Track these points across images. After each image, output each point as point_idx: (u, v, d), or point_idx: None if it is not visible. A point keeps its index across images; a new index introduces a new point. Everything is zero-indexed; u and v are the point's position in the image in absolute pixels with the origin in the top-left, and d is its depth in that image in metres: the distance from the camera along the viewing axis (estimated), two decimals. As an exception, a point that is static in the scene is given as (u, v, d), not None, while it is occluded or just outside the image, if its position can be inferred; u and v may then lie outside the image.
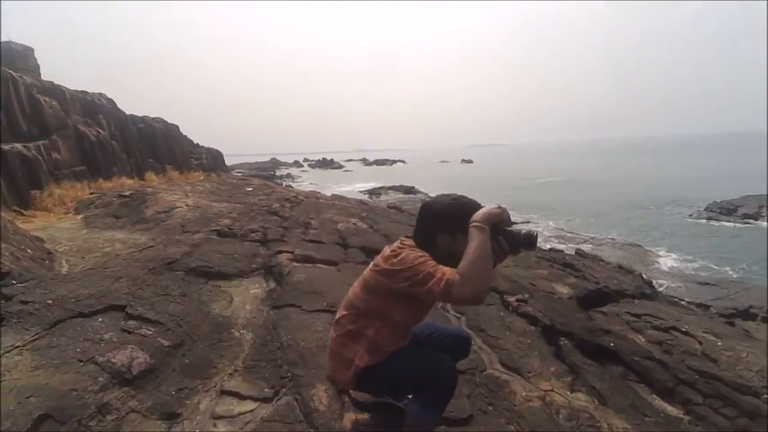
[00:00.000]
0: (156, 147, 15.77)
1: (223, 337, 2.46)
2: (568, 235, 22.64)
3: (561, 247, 19.56)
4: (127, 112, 15.21)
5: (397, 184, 38.87)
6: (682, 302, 8.19)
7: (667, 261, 18.31)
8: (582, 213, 28.34)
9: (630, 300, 6.83)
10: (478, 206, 1.42)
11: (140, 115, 16.20)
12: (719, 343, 4.87)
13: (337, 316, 1.58)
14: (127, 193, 8.67)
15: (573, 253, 11.20)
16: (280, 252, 4.21)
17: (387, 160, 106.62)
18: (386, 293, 1.42)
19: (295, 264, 3.84)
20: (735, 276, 16.07)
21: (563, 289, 6.95)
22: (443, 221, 1.43)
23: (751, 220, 24.91)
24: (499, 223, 1.36)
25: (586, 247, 19.96)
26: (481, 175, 62.85)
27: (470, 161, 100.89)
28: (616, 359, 3.78)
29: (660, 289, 10.58)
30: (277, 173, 61.43)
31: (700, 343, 4.91)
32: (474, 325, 2.97)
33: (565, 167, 70.32)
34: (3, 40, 16.57)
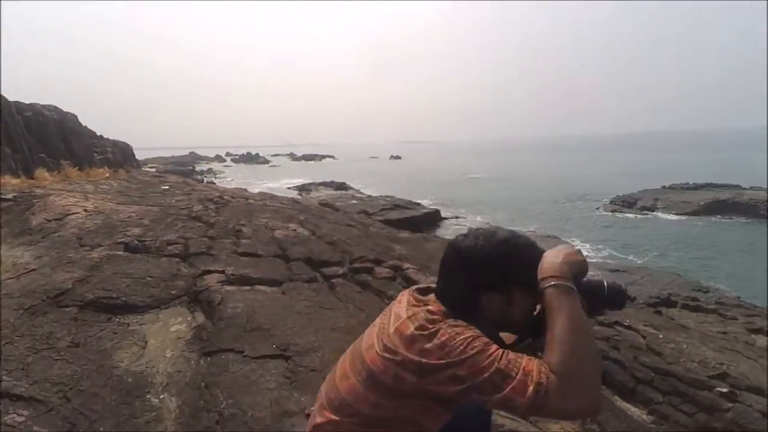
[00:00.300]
0: (48, 139, 13.50)
1: (135, 408, 1.79)
2: (495, 229, 23.74)
3: (490, 241, 20.51)
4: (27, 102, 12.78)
5: (328, 180, 38.03)
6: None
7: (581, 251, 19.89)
8: (505, 207, 29.87)
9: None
10: (540, 248, 0.95)
11: (44, 103, 13.71)
12: (660, 336, 5.05)
13: (317, 419, 1.00)
14: (9, 196, 7.12)
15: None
16: (208, 272, 3.49)
17: (316, 155, 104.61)
18: (414, 395, 0.87)
19: (229, 287, 3.17)
20: (639, 262, 17.76)
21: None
22: (493, 274, 0.92)
23: (648, 212, 27.93)
24: (580, 274, 0.91)
25: (512, 241, 21.08)
26: (410, 170, 63.89)
27: (399, 157, 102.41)
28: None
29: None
30: (197, 168, 57.15)
31: (644, 337, 5.06)
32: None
33: (490, 164, 74.01)
34: None
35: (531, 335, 1.02)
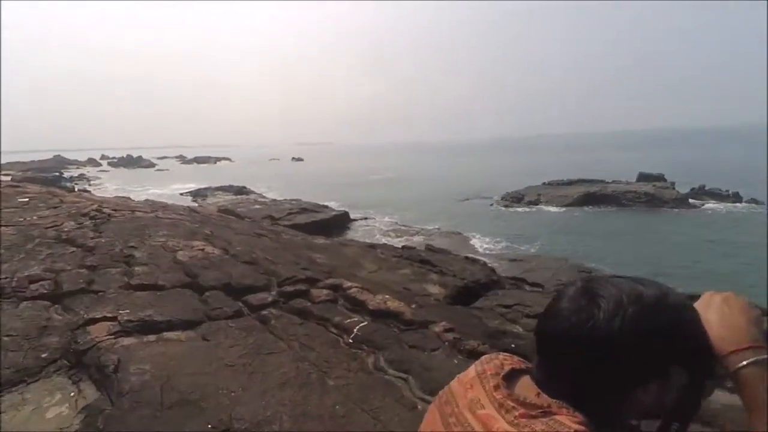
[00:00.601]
0: None
1: None
2: (403, 228, 24.25)
3: (399, 240, 20.81)
4: None
5: (226, 184, 35.41)
6: (525, 286, 9.15)
7: (482, 243, 21.19)
8: (410, 207, 30.80)
9: (495, 292, 7.20)
10: (692, 308, 0.63)
11: None
12: None
13: None
14: None
15: (423, 248, 11.62)
16: (93, 320, 2.65)
17: (210, 157, 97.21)
18: None
19: (126, 341, 2.40)
20: (533, 251, 19.53)
21: (434, 289, 6.89)
22: (656, 355, 0.59)
23: (533, 205, 31.09)
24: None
25: (419, 239, 21.69)
26: (312, 172, 62.74)
27: (300, 159, 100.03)
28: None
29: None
30: (66, 174, 49.08)
31: None
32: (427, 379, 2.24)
33: (392, 165, 76.07)
34: None
35: (680, 419, 0.67)
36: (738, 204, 27.70)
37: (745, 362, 0.60)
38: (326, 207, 24.01)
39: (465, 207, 31.62)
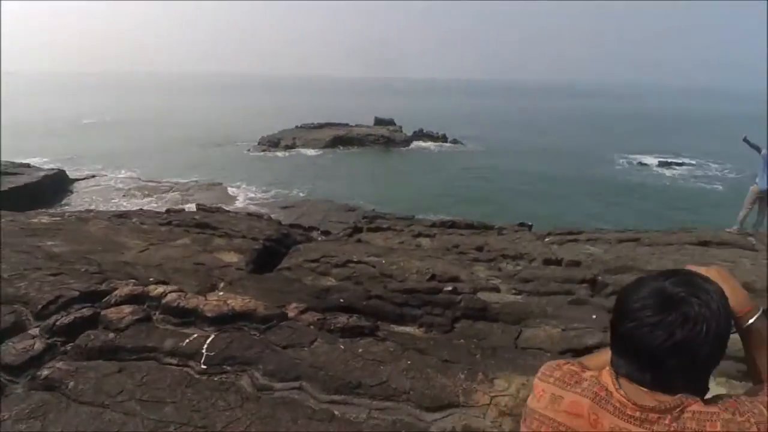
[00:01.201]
0: None
1: None
2: (150, 184, 20.58)
3: (151, 201, 17.52)
4: None
5: None
6: (315, 235, 9.21)
7: (247, 193, 20.29)
8: (152, 157, 26.19)
9: (296, 248, 6.91)
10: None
11: None
12: (383, 261, 5.84)
13: None
14: None
15: (194, 209, 10.07)
16: None
17: None
18: None
19: None
20: (302, 195, 20.01)
21: (230, 257, 6.11)
22: (723, 343, 0.75)
23: (291, 149, 31.49)
24: None
25: (175, 196, 18.92)
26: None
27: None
28: (351, 310, 3.78)
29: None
30: None
31: (374, 266, 5.72)
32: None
33: (105, 105, 61.54)
34: None
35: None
36: (445, 143, 35.63)
37: (751, 320, 0.82)
38: (28, 166, 17.69)
39: (220, 155, 29.16)
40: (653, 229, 7.17)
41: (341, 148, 32.41)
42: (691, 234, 6.55)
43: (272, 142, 32.51)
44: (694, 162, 30.49)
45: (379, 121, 38.70)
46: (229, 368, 1.95)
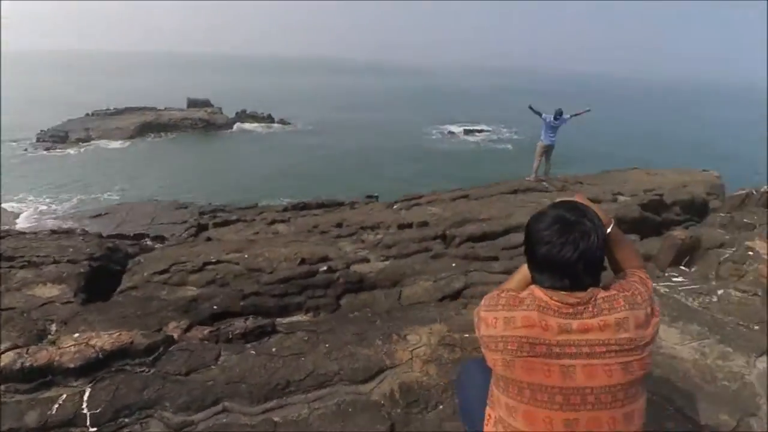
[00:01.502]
0: None
1: None
2: None
3: None
4: None
5: None
6: (147, 242, 7.98)
7: (37, 206, 16.18)
8: None
9: (137, 260, 5.90)
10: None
11: None
12: (246, 255, 5.49)
13: None
14: None
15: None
16: None
17: None
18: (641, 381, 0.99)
19: None
20: (116, 198, 16.90)
21: (52, 291, 4.84)
22: (604, 245, 1.05)
23: (85, 143, 25.91)
24: None
25: None
26: None
27: None
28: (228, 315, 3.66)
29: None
30: None
31: (237, 263, 5.32)
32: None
33: None
34: None
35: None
36: (272, 124, 34.34)
37: (609, 229, 1.09)
38: None
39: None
40: (476, 185, 8.44)
41: (152, 136, 28.21)
42: (503, 185, 7.96)
43: (58, 137, 26.16)
44: (490, 128, 36.49)
45: (192, 103, 34.64)
46: (127, 420, 1.61)
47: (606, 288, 1.02)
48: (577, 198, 1.10)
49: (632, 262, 1.13)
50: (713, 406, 1.67)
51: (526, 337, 0.96)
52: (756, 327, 2.34)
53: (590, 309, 0.96)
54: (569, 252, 0.97)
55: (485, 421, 1.10)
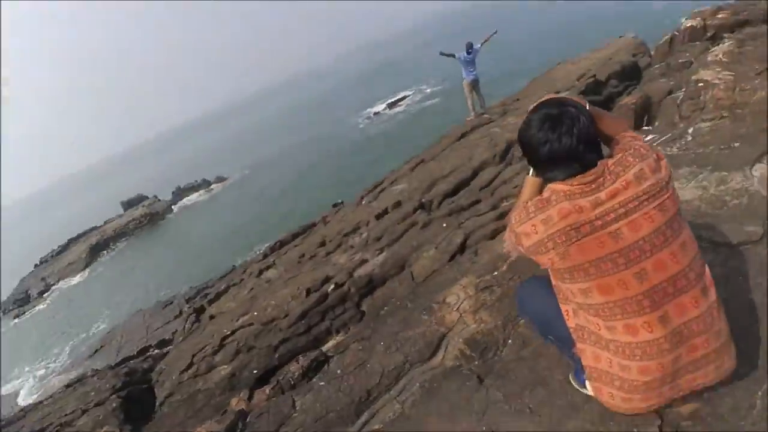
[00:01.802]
0: None
1: None
2: None
3: None
4: None
5: None
6: None
7: (35, 375, 15.22)
8: None
9: (155, 371, 5.78)
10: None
11: None
12: (255, 314, 5.44)
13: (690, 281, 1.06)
14: None
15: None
16: None
17: None
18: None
19: None
20: (103, 327, 16.19)
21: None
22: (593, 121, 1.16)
23: (48, 293, 24.28)
24: None
25: None
26: None
27: None
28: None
29: None
30: None
31: (251, 324, 5.25)
32: None
33: None
34: None
35: None
36: (211, 186, 33.43)
37: (587, 107, 1.16)
38: None
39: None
40: (426, 147, 8.57)
41: (105, 254, 27.03)
42: (450, 137, 8.12)
43: (20, 300, 24.16)
44: (411, 92, 36.07)
45: (127, 204, 33.17)
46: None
47: (611, 156, 1.12)
48: (547, 96, 1.18)
49: (618, 128, 1.20)
50: (735, 224, 1.76)
51: (569, 225, 1.05)
52: (736, 144, 2.42)
53: (608, 177, 1.06)
54: (568, 140, 1.06)
55: (566, 318, 1.18)
